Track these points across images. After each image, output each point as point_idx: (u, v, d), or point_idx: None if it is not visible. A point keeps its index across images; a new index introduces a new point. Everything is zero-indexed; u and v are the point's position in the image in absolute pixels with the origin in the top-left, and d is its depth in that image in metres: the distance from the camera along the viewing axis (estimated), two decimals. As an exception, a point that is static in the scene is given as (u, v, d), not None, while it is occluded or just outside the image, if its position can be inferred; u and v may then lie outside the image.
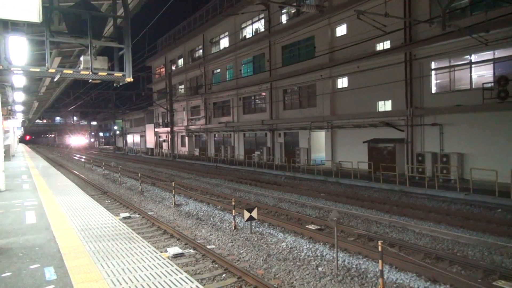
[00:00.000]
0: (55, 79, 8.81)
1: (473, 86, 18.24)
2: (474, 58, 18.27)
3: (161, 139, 53.80)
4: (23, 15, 4.92)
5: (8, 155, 32.45)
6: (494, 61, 17.40)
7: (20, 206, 11.21)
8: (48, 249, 6.94)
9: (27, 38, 8.40)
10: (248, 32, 34.67)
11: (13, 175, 20.18)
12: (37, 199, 12.36)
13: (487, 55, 17.60)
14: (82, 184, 21.19)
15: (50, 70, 7.86)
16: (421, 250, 8.69)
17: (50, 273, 5.76)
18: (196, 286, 5.28)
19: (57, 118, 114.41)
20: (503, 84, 16.14)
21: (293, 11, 28.84)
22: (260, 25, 32.99)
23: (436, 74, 19.91)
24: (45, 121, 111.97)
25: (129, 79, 8.57)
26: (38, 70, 8.09)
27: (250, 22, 33.94)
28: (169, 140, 43.99)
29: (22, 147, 72.83)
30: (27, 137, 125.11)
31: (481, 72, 18.18)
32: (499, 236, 9.86)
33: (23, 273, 5.80)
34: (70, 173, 27.64)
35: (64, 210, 10.52)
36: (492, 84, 16.99)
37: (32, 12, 4.95)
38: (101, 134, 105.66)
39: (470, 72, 18.42)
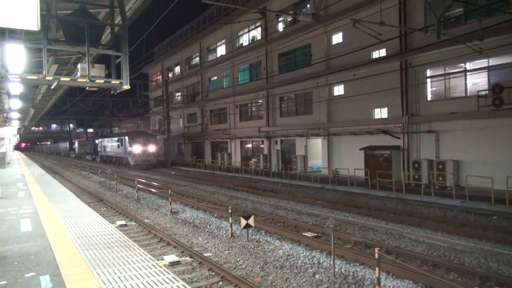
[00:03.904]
0: (52, 87, 8.83)
1: (468, 94, 18.38)
2: (469, 66, 18.43)
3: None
4: (21, 24, 4.93)
5: (3, 162, 32.29)
6: (489, 69, 17.56)
7: (16, 214, 11.14)
8: (43, 257, 6.90)
9: (24, 45, 8.41)
10: (244, 40, 34.85)
11: (9, 182, 20.07)
12: (32, 207, 12.29)
13: (482, 63, 17.77)
14: (78, 192, 21.08)
15: (47, 78, 7.89)
16: (418, 257, 8.69)
17: (45, 282, 5.73)
18: (193, 294, 5.26)
19: (53, 126, 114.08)
20: (498, 92, 16.29)
21: (289, 20, 29.03)
22: (256, 33, 33.19)
23: (431, 81, 20.06)
24: (41, 128, 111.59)
25: (126, 86, 8.61)
26: (35, 77, 8.11)
27: (246, 30, 34.14)
28: (166, 147, 43.88)
29: (18, 155, 72.47)
30: (23, 145, 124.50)
31: (476, 80, 18.33)
32: (495, 243, 9.88)
33: (18, 282, 5.76)
34: (66, 181, 27.50)
35: (59, 218, 10.46)
36: (487, 91, 17.14)
37: (30, 20, 4.97)
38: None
39: (465, 79, 18.57)
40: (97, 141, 54.25)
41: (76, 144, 68.78)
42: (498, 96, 16.29)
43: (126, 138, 39.17)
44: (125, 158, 39.74)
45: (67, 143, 79.63)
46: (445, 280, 7.17)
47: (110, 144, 45.83)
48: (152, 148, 38.62)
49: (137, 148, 37.82)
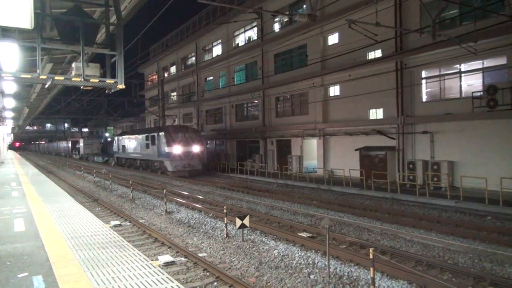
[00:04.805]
0: (46, 86, 8.77)
1: (463, 95, 18.47)
2: (463, 67, 18.53)
3: None
4: (15, 21, 4.89)
5: (-3, 162, 32.07)
6: (483, 70, 17.67)
7: (9, 214, 11.06)
8: (36, 258, 6.85)
9: (18, 44, 8.35)
10: (240, 40, 34.83)
11: (2, 182, 19.93)
12: (26, 207, 12.20)
13: (476, 64, 17.87)
14: (72, 192, 20.97)
15: (41, 77, 7.83)
16: (412, 257, 8.72)
17: (38, 282, 5.68)
18: (187, 294, 5.24)
19: (48, 125, 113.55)
20: (492, 93, 16.37)
21: (285, 20, 29.05)
22: (252, 33, 33.17)
23: (426, 82, 20.14)
24: (35, 127, 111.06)
25: (121, 86, 8.56)
26: (29, 76, 8.05)
27: (242, 30, 34.12)
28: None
29: (12, 154, 71.96)
30: (17, 144, 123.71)
31: (470, 81, 18.44)
32: (489, 244, 9.93)
33: (11, 282, 5.71)
34: (60, 181, 27.34)
35: (53, 218, 10.39)
36: (481, 93, 17.23)
37: (24, 18, 4.93)
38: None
39: (460, 81, 18.67)
40: (110, 139, 44.42)
41: (81, 143, 58.03)
42: (492, 97, 16.38)
43: (162, 134, 29.12)
44: (159, 162, 30.35)
45: (68, 141, 68.84)
46: (439, 280, 7.19)
47: (133, 143, 35.59)
48: (196, 148, 28.94)
49: (177, 149, 28.00)
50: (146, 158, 33.14)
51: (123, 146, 38.50)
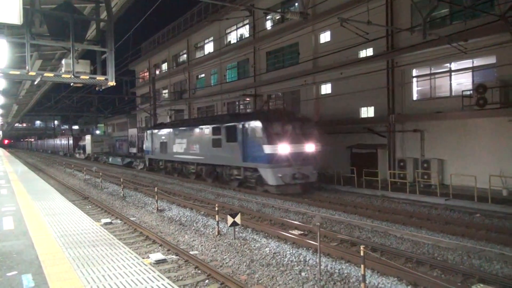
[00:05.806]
0: (36, 82, 8.68)
1: (453, 94, 18.65)
2: (453, 66, 18.70)
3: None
4: (3, 17, 4.83)
5: (-15, 159, 31.62)
6: (473, 69, 17.85)
7: (-3, 212, 10.92)
8: (26, 256, 6.77)
9: (7, 40, 8.23)
10: (232, 38, 34.75)
11: (-9, 180, 19.65)
12: (15, 205, 12.06)
13: (466, 63, 18.04)
14: (62, 189, 20.77)
15: (30, 73, 7.74)
16: (403, 254, 8.80)
17: (27, 281, 5.62)
18: (179, 292, 5.22)
19: (37, 122, 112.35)
20: (482, 92, 16.54)
21: (277, 18, 29.05)
22: (244, 31, 33.12)
23: (417, 81, 20.30)
24: (24, 125, 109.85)
25: (112, 83, 8.50)
26: (18, 73, 7.95)
27: (235, 27, 34.04)
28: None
29: (1, 152, 71.06)
30: (6, 141, 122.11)
31: (460, 80, 18.61)
32: (477, 240, 10.05)
33: (-1, 281, 5.65)
34: (50, 178, 27.07)
35: (43, 216, 10.29)
36: (471, 91, 17.40)
37: (13, 14, 4.87)
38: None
39: (450, 79, 18.84)
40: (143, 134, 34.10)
41: (88, 140, 47.81)
42: (481, 96, 16.56)
43: (257, 125, 18.00)
44: (244, 169, 19.46)
45: (69, 138, 60.04)
46: (429, 277, 7.27)
47: (185, 140, 24.53)
48: (311, 147, 18.26)
49: (284, 148, 17.28)
50: (212, 163, 22.16)
51: (163, 144, 27.78)
